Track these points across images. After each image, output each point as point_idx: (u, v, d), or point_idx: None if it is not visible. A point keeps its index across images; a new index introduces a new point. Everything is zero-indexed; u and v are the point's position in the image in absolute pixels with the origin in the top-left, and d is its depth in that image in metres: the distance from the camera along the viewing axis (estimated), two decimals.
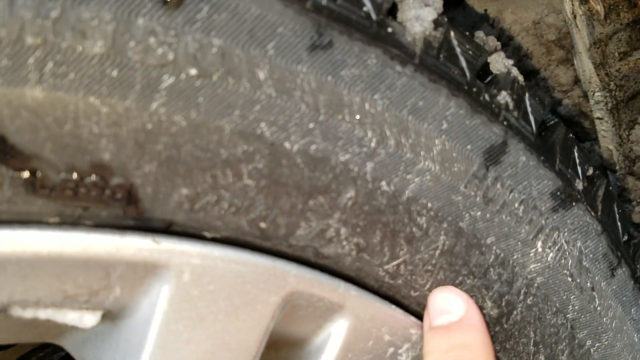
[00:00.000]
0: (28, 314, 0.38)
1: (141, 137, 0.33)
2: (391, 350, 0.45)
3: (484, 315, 0.45)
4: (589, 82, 0.86)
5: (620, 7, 0.83)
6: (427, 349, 0.44)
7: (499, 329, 0.47)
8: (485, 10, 0.95)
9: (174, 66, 0.32)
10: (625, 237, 0.53)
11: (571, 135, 0.50)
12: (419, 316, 0.45)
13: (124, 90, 0.32)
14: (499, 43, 0.56)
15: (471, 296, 0.45)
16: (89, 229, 0.35)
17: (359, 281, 0.43)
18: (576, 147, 0.50)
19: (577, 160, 0.50)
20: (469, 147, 0.42)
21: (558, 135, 0.49)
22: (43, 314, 0.38)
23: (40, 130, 0.31)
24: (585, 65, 0.85)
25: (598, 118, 0.88)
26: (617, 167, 0.91)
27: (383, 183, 0.40)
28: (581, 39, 0.83)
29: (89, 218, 0.35)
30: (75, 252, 0.35)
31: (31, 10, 0.29)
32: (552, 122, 0.50)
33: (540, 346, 0.49)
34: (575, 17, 0.83)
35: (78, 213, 0.35)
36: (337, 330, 0.44)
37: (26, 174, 0.32)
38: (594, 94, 0.86)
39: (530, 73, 0.95)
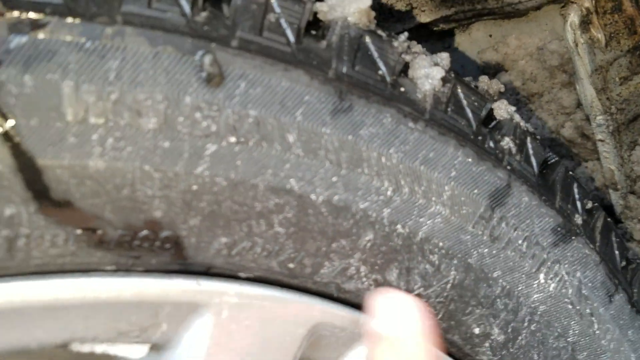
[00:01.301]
0: (86, 348, 0.43)
1: (188, 196, 0.38)
2: None
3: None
4: (591, 107, 0.90)
5: (621, 34, 0.87)
6: (372, 357, 0.43)
7: (505, 352, 0.51)
8: (490, 35, 1.00)
9: (216, 136, 0.37)
10: (623, 264, 0.57)
11: (570, 173, 0.54)
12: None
13: (174, 158, 0.37)
14: (502, 85, 0.60)
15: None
16: (140, 274, 0.40)
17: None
18: (575, 184, 0.54)
19: (577, 196, 0.54)
20: (475, 191, 0.46)
21: (558, 173, 0.53)
22: (99, 348, 0.43)
23: (102, 195, 0.36)
24: (587, 90, 0.89)
25: (600, 140, 0.92)
26: (619, 187, 0.95)
27: (399, 226, 0.44)
28: (583, 66, 0.87)
29: (141, 265, 0.40)
30: (128, 295, 0.40)
31: (94, 94, 0.34)
32: (553, 160, 0.54)
33: None
34: (577, 45, 0.87)
35: (131, 262, 0.39)
36: (357, 357, 0.49)
37: (88, 232, 0.37)
38: (595, 118, 0.90)
39: (534, 96, 0.99)
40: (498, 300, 0.49)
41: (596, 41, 0.86)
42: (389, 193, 0.43)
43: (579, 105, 0.93)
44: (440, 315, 0.49)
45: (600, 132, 0.90)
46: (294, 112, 0.39)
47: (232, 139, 0.38)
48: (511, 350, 0.51)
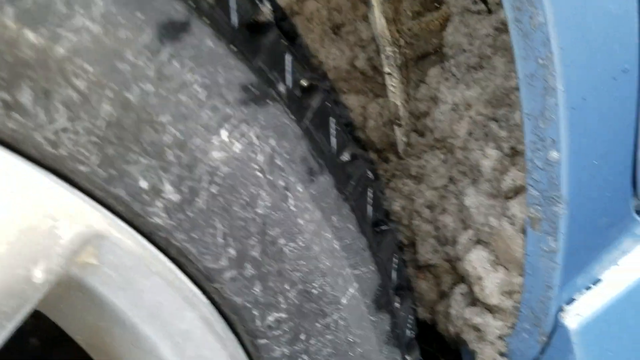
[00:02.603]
0: None
1: None
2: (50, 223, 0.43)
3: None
4: (381, 37, 0.90)
5: None
6: None
7: (182, 216, 0.47)
8: None
9: None
10: (347, 159, 0.56)
11: (286, 44, 0.52)
12: (88, 192, 0.44)
13: None
14: None
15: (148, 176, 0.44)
16: None
17: (17, 148, 0.41)
18: (291, 58, 0.51)
19: (288, 68, 0.51)
20: (139, 14, 0.41)
21: (269, 39, 0.50)
22: None
23: None
24: (377, 18, 0.89)
25: (387, 73, 0.93)
26: (403, 123, 0.97)
27: (30, 35, 0.38)
28: None
29: None
30: None
31: None
32: (271, 29, 0.51)
33: (230, 239, 0.50)
34: None
35: None
36: None
37: None
38: (384, 49, 0.91)
39: (340, 26, 0.98)
40: (168, 150, 0.45)
41: None
42: None
43: (375, 37, 0.93)
44: (92, 159, 0.43)
45: (389, 64, 0.91)
46: None
47: None
48: (189, 213, 0.47)
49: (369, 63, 0.93)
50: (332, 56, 0.96)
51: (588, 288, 0.77)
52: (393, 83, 0.92)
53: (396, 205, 0.99)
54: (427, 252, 0.94)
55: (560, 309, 0.75)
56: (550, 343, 0.78)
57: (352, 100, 1.00)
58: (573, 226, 0.66)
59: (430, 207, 0.93)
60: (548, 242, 0.68)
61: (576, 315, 0.74)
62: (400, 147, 0.97)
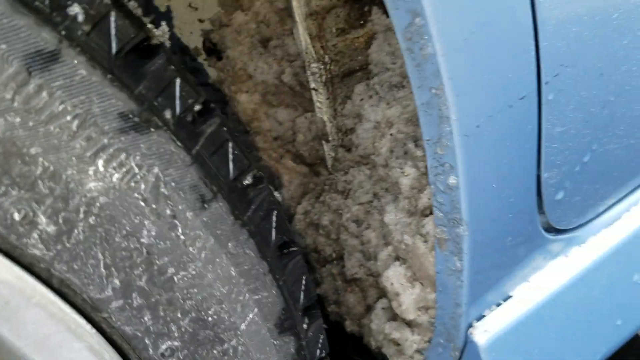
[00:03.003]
0: None
1: None
2: None
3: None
4: (306, 53, 0.90)
5: None
6: None
7: (61, 247, 0.46)
8: None
9: None
10: (234, 175, 0.56)
11: (174, 68, 0.51)
12: None
13: None
14: None
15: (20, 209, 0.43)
16: None
17: None
18: (179, 82, 0.51)
19: (178, 94, 0.51)
20: (4, 46, 0.40)
21: (155, 64, 0.49)
22: None
23: None
24: (302, 35, 0.89)
25: (314, 89, 0.93)
26: (330, 138, 0.97)
27: None
28: (299, 7, 0.87)
29: None
30: None
31: None
32: (160, 54, 0.50)
33: (113, 269, 0.49)
34: None
35: None
36: None
37: None
38: (309, 65, 0.91)
39: (268, 40, 0.97)
40: (40, 182, 0.43)
41: None
42: None
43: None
44: None
45: (314, 80, 0.91)
46: None
47: None
48: (67, 245, 0.46)
49: (295, 78, 0.93)
50: (260, 70, 0.96)
51: (498, 304, 0.78)
52: (319, 99, 0.92)
53: (325, 220, 0.99)
54: (353, 266, 0.95)
55: (470, 325, 0.76)
56: (462, 358, 0.79)
57: (281, 114, 1.00)
58: (476, 247, 0.68)
59: (357, 221, 0.94)
60: (454, 261, 0.70)
61: (485, 332, 0.75)
62: (329, 162, 0.98)
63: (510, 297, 0.79)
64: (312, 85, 0.92)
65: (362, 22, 0.91)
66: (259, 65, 0.96)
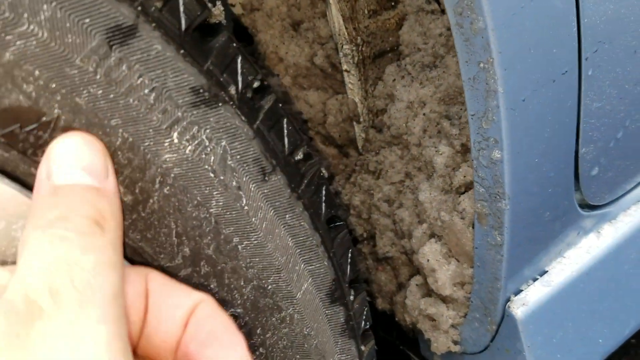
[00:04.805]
0: None
1: None
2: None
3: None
4: (338, 34, 0.92)
5: None
6: (43, 213, 0.36)
7: (136, 216, 0.48)
8: None
9: None
10: (289, 150, 0.57)
11: (236, 46, 0.53)
12: None
13: None
14: None
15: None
16: None
17: None
18: (241, 59, 0.52)
19: (240, 70, 0.52)
20: (87, 20, 0.42)
21: (219, 41, 0.51)
22: None
23: None
24: (335, 16, 0.90)
25: (346, 71, 0.95)
26: (362, 120, 0.99)
27: None
28: None
29: None
30: None
31: None
32: (222, 31, 0.52)
33: (184, 238, 0.51)
34: None
35: None
36: None
37: None
38: (342, 47, 0.92)
39: (299, 23, 0.99)
40: (119, 152, 0.45)
41: None
42: None
43: (333, 35, 0.95)
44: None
45: (346, 62, 0.93)
46: None
47: None
48: (142, 214, 0.48)
49: (327, 60, 0.94)
50: (292, 53, 0.97)
51: (535, 279, 0.81)
52: (351, 80, 0.94)
53: (356, 200, 1.01)
54: (385, 245, 0.97)
55: (508, 299, 0.79)
56: (499, 331, 0.82)
57: (312, 97, 1.01)
58: (517, 221, 0.70)
59: (388, 201, 0.95)
60: (494, 236, 0.72)
61: (522, 306, 0.77)
62: (359, 143, 1.00)
63: (546, 272, 0.81)
64: (344, 67, 0.93)
65: (393, 4, 0.93)
66: (291, 48, 0.97)
